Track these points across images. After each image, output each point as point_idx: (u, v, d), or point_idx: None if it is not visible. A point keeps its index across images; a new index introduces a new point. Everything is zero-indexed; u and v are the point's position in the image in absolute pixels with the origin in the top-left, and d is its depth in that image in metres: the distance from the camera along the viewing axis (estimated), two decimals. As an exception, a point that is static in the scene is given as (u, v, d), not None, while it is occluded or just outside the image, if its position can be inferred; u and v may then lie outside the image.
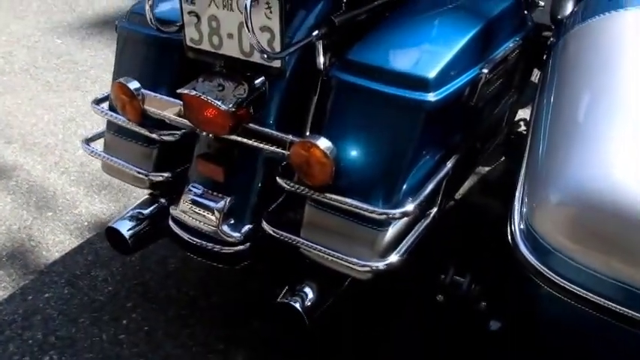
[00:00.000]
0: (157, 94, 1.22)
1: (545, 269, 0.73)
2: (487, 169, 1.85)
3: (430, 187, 1.08)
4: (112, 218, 2.01)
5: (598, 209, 0.68)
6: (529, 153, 0.88)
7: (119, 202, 2.09)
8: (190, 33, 1.14)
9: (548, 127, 0.83)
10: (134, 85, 1.22)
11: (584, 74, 0.83)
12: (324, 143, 0.99)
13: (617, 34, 0.86)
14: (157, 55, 1.27)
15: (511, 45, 1.28)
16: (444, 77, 1.03)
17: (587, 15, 0.95)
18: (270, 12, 1.02)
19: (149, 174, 1.31)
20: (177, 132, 1.26)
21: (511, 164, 1.74)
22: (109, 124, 1.39)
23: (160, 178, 1.31)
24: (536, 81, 1.93)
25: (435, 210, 1.13)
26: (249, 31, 0.97)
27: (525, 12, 1.44)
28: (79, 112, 2.77)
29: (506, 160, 1.78)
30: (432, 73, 1.01)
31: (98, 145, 1.49)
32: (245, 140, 1.10)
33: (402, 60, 1.05)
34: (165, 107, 1.21)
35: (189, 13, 1.12)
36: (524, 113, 1.96)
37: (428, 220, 1.11)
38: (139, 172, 1.32)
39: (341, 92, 1.06)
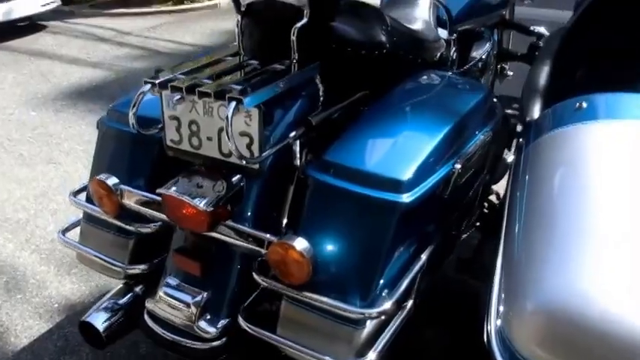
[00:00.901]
0: (135, 190, 1.24)
1: None
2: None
3: (406, 282, 1.11)
4: (83, 300, 1.97)
5: (567, 320, 0.71)
6: (504, 255, 0.92)
7: (90, 283, 2.05)
8: (171, 135, 1.18)
9: (521, 236, 0.87)
10: (113, 181, 1.24)
11: (556, 186, 0.89)
12: (301, 244, 1.02)
13: (586, 145, 0.93)
14: (136, 152, 1.30)
15: (482, 137, 1.35)
16: (417, 177, 1.08)
17: (557, 123, 1.02)
18: (250, 120, 1.07)
19: (126, 267, 1.31)
20: (154, 224, 1.27)
21: (485, 239, 1.78)
22: (86, 214, 1.40)
23: (137, 271, 1.31)
24: (507, 158, 2.00)
25: (410, 302, 1.16)
26: (229, 139, 1.01)
27: (494, 100, 1.52)
28: (51, 186, 2.76)
29: (480, 234, 1.82)
30: (404, 175, 1.06)
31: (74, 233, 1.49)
32: (223, 237, 1.13)
33: (376, 161, 1.11)
34: (143, 203, 1.23)
35: (170, 117, 1.16)
36: (496, 186, 2.04)
37: (404, 313, 1.13)
38: (115, 265, 1.32)
39: (317, 192, 1.10)
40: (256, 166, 1.10)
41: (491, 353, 0.82)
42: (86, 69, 4.51)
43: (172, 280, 1.20)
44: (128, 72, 4.39)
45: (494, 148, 1.57)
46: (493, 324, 0.84)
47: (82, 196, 1.42)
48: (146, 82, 1.13)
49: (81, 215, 1.43)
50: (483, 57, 2.07)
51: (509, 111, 2.35)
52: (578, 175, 0.90)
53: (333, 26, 1.23)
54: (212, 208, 1.09)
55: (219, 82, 1.11)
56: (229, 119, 1.01)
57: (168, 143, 1.19)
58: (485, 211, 1.82)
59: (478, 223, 1.75)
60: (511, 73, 2.51)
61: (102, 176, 1.24)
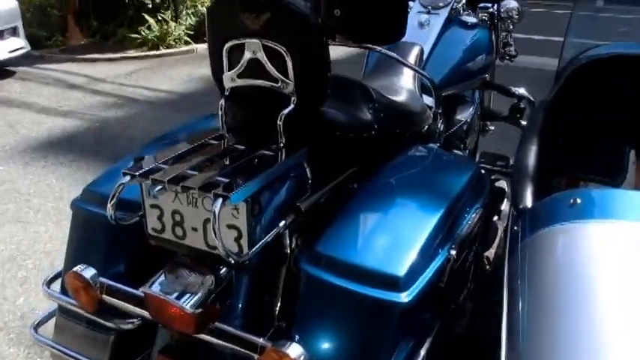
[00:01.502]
0: (116, 284, 1.17)
1: None
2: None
3: None
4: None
5: None
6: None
7: (62, 364, 1.93)
8: (152, 223, 1.12)
9: (525, 339, 0.84)
10: (90, 273, 1.16)
11: (557, 288, 0.86)
12: (295, 351, 0.95)
13: (584, 246, 0.91)
14: (115, 239, 1.23)
15: (474, 215, 1.33)
16: (415, 272, 1.04)
17: (553, 219, 1.00)
18: (237, 212, 1.02)
19: None
20: (137, 319, 1.20)
21: (477, 310, 1.74)
22: (61, 306, 1.32)
23: None
24: (497, 225, 1.98)
25: None
26: (216, 237, 0.96)
27: (482, 171, 1.50)
28: (20, 249, 2.64)
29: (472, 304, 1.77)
30: (402, 271, 1.02)
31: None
32: (213, 340, 1.06)
33: (372, 254, 1.06)
34: (125, 298, 1.16)
35: (152, 205, 1.10)
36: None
37: None
38: None
39: (311, 288, 1.05)
40: (245, 260, 1.05)
41: None
42: (57, 118, 4.43)
43: (153, 384, 1.12)
44: (102, 122, 4.32)
45: (484, 218, 1.55)
46: None
47: (57, 284, 1.33)
48: (125, 174, 1.07)
49: (55, 306, 1.35)
50: (468, 120, 2.08)
51: (494, 168, 2.38)
52: (578, 277, 0.88)
53: (322, 111, 1.21)
54: (200, 310, 1.03)
55: (204, 174, 1.06)
56: (216, 216, 0.96)
57: (150, 232, 1.13)
58: (480, 271, 1.79)
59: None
60: (492, 128, 2.54)
61: (78, 268, 1.17)
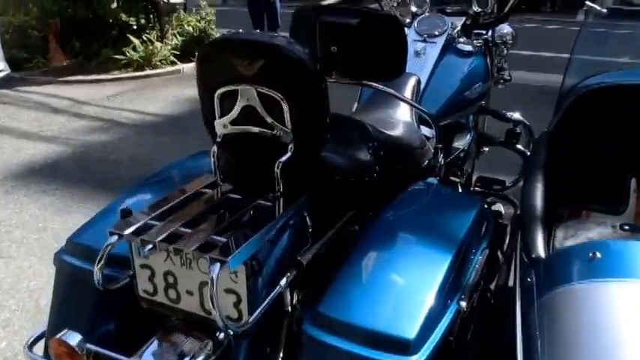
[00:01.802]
0: (104, 351, 1.09)
1: None
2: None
3: None
4: None
5: None
6: None
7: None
8: (143, 285, 1.05)
9: None
10: (75, 339, 1.09)
11: (579, 354, 0.81)
12: None
13: (607, 309, 0.86)
14: (102, 299, 1.16)
15: (480, 258, 1.28)
16: (425, 332, 0.98)
17: (571, 276, 0.96)
18: (236, 277, 0.96)
19: None
20: None
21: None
22: None
23: None
24: (499, 258, 1.93)
25: None
26: (213, 306, 0.90)
27: (485, 206, 1.46)
28: (2, 286, 2.54)
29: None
30: (412, 333, 0.96)
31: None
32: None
33: (379, 315, 1.00)
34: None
35: (142, 266, 1.04)
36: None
37: None
38: None
39: (314, 351, 0.99)
40: (245, 327, 0.98)
41: None
42: (39, 144, 4.33)
43: None
44: (86, 147, 4.23)
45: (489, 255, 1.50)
46: None
47: (40, 347, 1.25)
48: (112, 234, 1.00)
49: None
50: (465, 147, 2.05)
51: (491, 192, 2.34)
52: (601, 343, 0.83)
53: (321, 156, 1.15)
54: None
55: (198, 232, 1.00)
56: (214, 283, 0.89)
57: (141, 294, 1.07)
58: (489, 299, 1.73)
59: None
60: (486, 149, 2.53)
61: (63, 335, 1.09)
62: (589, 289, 0.91)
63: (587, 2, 1.97)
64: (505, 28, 2.17)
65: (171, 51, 6.51)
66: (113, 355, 1.08)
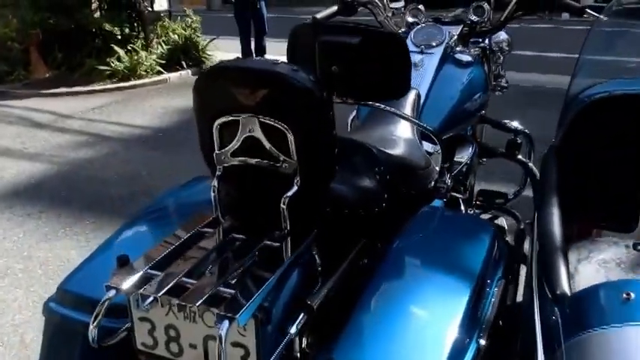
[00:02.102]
0: None
1: None
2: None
3: None
4: None
5: None
6: None
7: None
8: (142, 338, 0.97)
9: None
10: None
11: None
12: None
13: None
14: (94, 350, 1.08)
15: (496, 289, 1.22)
16: None
17: (603, 319, 0.89)
18: (245, 330, 0.89)
19: None
20: None
21: None
22: None
23: None
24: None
25: None
26: None
27: (498, 234, 1.40)
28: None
29: None
30: None
31: None
32: None
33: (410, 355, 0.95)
34: None
35: (141, 319, 0.97)
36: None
37: None
38: None
39: None
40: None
41: None
42: (22, 162, 4.22)
43: None
44: (72, 164, 4.12)
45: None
46: None
47: None
48: (109, 288, 0.93)
49: None
50: (468, 161, 2.01)
51: (494, 206, 2.29)
52: None
53: (328, 190, 1.09)
54: None
55: (202, 283, 0.93)
56: (223, 340, 0.83)
57: (140, 347, 0.99)
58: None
59: None
60: (485, 160, 2.49)
61: None
62: (625, 333, 0.85)
63: (588, 10, 1.93)
64: (501, 35, 2.14)
65: (157, 60, 6.43)
66: None
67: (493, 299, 1.17)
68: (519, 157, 2.21)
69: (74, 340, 1.10)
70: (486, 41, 2.14)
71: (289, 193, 1.01)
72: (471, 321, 1.05)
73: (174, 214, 1.40)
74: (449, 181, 1.57)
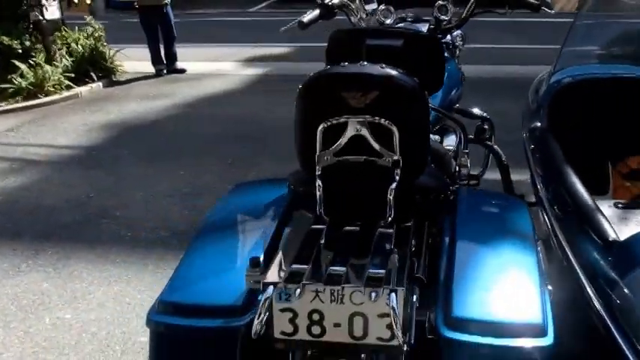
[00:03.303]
0: None
1: None
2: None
3: None
4: None
5: None
6: None
7: None
8: (282, 327, 1.12)
9: None
10: None
11: None
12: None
13: None
14: (206, 351, 1.22)
15: (540, 249, 1.49)
16: (544, 314, 1.14)
17: None
18: (389, 301, 1.08)
19: None
20: None
21: None
22: None
23: None
24: None
25: None
26: (397, 329, 1.02)
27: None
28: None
29: None
30: (540, 317, 1.13)
31: None
32: None
33: (506, 309, 1.16)
34: None
35: (283, 309, 1.12)
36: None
37: None
38: None
39: (460, 352, 1.12)
40: (396, 343, 1.09)
41: None
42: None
43: None
44: (5, 194, 3.87)
45: None
46: None
47: None
48: (266, 284, 1.08)
49: None
50: (455, 148, 2.29)
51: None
52: None
53: (419, 180, 1.30)
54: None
55: (351, 268, 1.10)
56: (396, 310, 1.02)
57: (278, 336, 1.14)
58: None
59: None
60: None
61: None
62: None
63: (543, 7, 2.28)
64: (456, 31, 2.44)
65: (64, 74, 6.20)
66: None
67: (542, 256, 1.44)
68: (487, 142, 2.55)
69: (184, 345, 1.23)
70: (448, 37, 2.43)
71: (393, 185, 1.20)
72: (540, 273, 1.31)
73: (240, 218, 1.54)
74: (469, 164, 1.83)
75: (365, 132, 1.20)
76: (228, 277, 1.29)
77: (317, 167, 1.24)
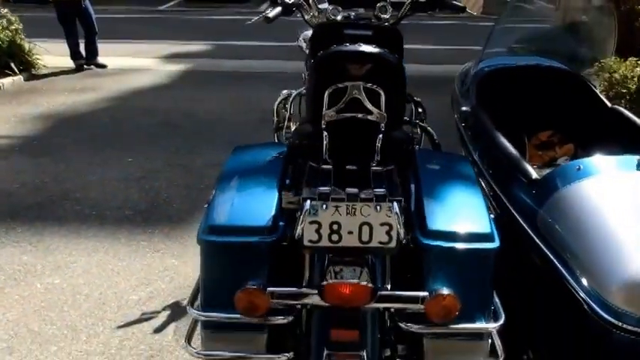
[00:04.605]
0: (282, 289, 1.59)
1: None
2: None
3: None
4: None
5: None
6: (569, 262, 1.69)
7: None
8: (310, 236, 1.60)
9: (584, 261, 1.64)
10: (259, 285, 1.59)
11: (591, 215, 1.68)
12: (450, 292, 1.58)
13: (591, 193, 1.77)
14: (245, 261, 1.64)
15: (483, 188, 2.10)
16: (492, 228, 1.68)
17: (567, 181, 1.81)
18: (390, 212, 1.59)
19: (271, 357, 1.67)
20: (283, 317, 1.63)
21: None
22: (207, 321, 1.68)
23: (284, 358, 1.68)
24: None
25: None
26: (399, 232, 1.54)
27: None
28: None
29: None
30: (489, 228, 1.68)
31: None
32: (383, 305, 1.61)
33: (468, 222, 1.68)
34: (291, 296, 1.62)
35: (311, 222, 1.60)
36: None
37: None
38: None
39: (436, 255, 1.62)
40: (393, 245, 1.61)
41: (594, 311, 1.55)
42: None
43: (333, 352, 1.61)
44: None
45: None
46: (585, 292, 1.58)
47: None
48: (305, 199, 1.56)
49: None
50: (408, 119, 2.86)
51: None
52: (594, 212, 1.73)
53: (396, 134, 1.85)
54: (371, 285, 1.58)
55: (362, 190, 1.57)
56: (399, 216, 1.54)
57: (307, 244, 1.61)
58: None
59: None
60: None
61: (249, 285, 1.58)
62: (580, 185, 1.79)
63: (468, 9, 2.95)
64: None
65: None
66: (289, 289, 1.62)
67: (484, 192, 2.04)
68: (421, 124, 3.16)
69: (229, 257, 1.67)
70: None
71: (380, 135, 1.74)
72: (484, 200, 1.87)
73: (254, 165, 2.00)
74: (418, 131, 2.43)
75: (360, 94, 1.72)
76: (257, 205, 1.75)
77: (322, 122, 1.75)
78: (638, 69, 4.10)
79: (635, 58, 4.28)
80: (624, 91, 3.99)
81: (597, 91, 2.99)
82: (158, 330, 2.52)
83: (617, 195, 1.76)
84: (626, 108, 3.39)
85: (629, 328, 1.53)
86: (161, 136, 4.89)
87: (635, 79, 4.01)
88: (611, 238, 1.64)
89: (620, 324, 1.54)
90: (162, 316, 2.61)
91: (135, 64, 7.52)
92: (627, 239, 1.63)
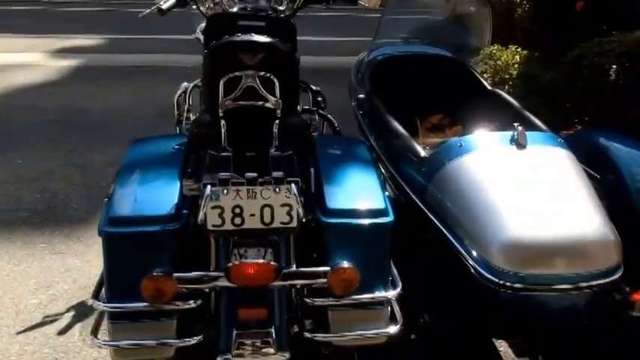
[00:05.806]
0: (187, 273, 1.65)
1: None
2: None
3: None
4: None
5: (527, 242, 1.73)
6: (454, 228, 1.86)
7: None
8: (213, 221, 1.65)
9: (472, 227, 1.83)
10: (164, 271, 1.63)
11: (475, 186, 1.86)
12: (350, 265, 1.69)
13: (471, 166, 1.96)
14: (157, 244, 1.68)
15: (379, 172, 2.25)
16: (387, 203, 1.83)
17: (451, 156, 1.98)
18: (289, 193, 1.67)
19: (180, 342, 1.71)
20: (193, 301, 1.69)
21: None
22: (113, 312, 1.70)
23: (193, 342, 1.72)
24: None
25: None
26: (298, 214, 1.64)
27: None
28: None
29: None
30: (384, 204, 1.82)
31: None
32: (288, 282, 1.70)
33: (364, 200, 1.81)
34: (197, 280, 1.67)
35: (213, 207, 1.65)
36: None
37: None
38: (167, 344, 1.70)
39: (334, 231, 1.75)
40: (294, 225, 1.71)
41: (480, 273, 1.73)
42: None
43: (242, 331, 1.68)
44: None
45: None
46: (472, 258, 1.76)
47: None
48: (205, 185, 1.62)
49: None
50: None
51: None
52: (477, 182, 1.92)
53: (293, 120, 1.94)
54: (275, 263, 1.67)
55: (254, 176, 1.65)
56: (297, 197, 1.64)
57: (210, 228, 1.67)
58: None
59: None
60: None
61: (155, 272, 1.61)
62: (462, 159, 1.97)
63: (360, 2, 3.09)
64: None
65: None
66: (195, 273, 1.67)
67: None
68: (321, 110, 3.29)
69: (131, 248, 1.69)
70: None
71: (277, 121, 1.82)
72: (379, 179, 2.00)
73: (154, 155, 2.02)
74: (317, 119, 2.55)
75: (255, 83, 1.80)
76: (158, 194, 1.80)
77: (219, 110, 1.82)
78: (517, 56, 4.46)
79: (515, 46, 4.65)
80: (507, 76, 4.33)
81: (479, 76, 3.24)
82: (62, 332, 2.47)
83: (494, 167, 1.96)
84: (508, 91, 3.73)
85: (511, 284, 1.72)
86: (53, 135, 4.70)
87: (516, 65, 4.36)
88: (491, 207, 1.83)
89: (503, 282, 1.72)
90: (67, 318, 2.56)
91: (19, 59, 7.10)
92: (504, 207, 1.82)
